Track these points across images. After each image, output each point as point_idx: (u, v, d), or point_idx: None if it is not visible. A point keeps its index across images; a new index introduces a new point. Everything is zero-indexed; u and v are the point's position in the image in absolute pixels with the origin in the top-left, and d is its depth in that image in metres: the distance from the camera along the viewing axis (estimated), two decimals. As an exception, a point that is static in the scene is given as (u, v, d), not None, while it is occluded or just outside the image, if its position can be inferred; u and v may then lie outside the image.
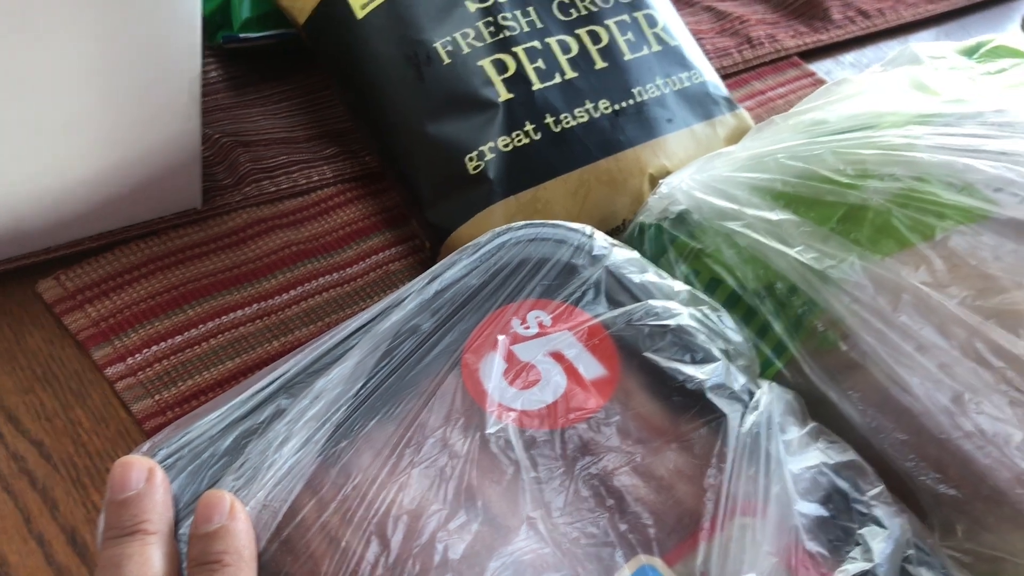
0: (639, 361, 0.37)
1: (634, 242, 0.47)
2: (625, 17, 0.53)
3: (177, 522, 0.32)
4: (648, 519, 0.33)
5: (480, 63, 0.49)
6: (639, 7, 0.54)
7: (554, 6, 0.52)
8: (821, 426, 0.37)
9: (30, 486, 0.41)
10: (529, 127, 0.49)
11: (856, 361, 0.38)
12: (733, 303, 0.42)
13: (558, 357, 0.36)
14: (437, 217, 0.49)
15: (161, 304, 0.48)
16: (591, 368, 0.36)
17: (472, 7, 0.50)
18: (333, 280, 0.51)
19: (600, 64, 0.52)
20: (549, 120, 0.49)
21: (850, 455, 0.36)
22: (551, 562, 0.32)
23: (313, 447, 0.33)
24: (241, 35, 0.58)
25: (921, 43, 0.52)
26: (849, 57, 0.79)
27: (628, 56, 0.52)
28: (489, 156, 0.48)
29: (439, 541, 0.32)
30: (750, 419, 0.36)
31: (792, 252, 0.41)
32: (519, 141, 0.48)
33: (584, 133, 0.50)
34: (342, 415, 0.34)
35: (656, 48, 0.54)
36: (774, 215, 0.42)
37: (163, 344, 0.46)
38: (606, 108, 0.51)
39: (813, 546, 0.34)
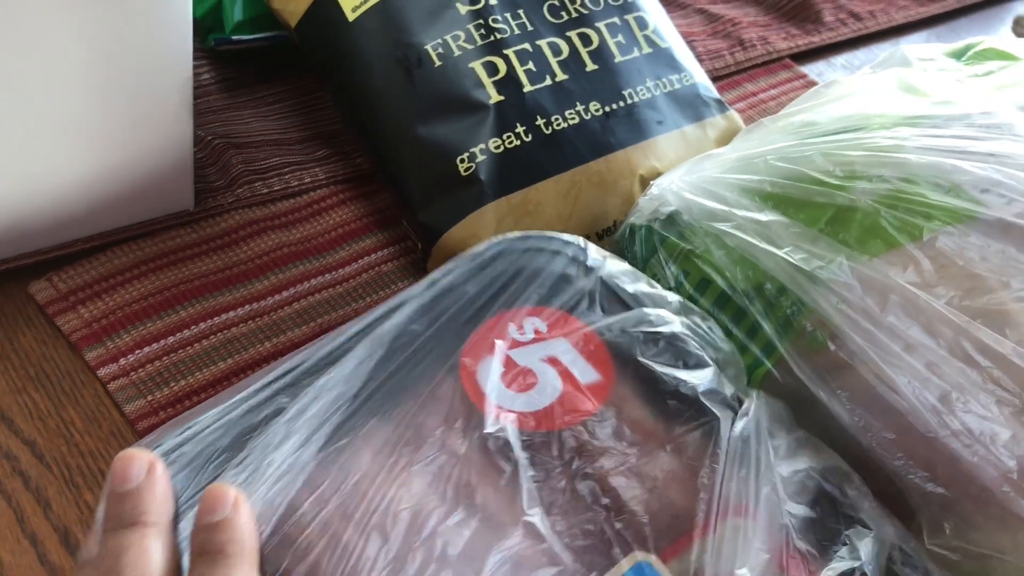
0: (633, 367, 0.37)
1: (625, 243, 0.47)
2: (616, 20, 0.54)
3: (177, 516, 0.32)
4: (643, 518, 0.34)
5: (471, 65, 0.49)
6: (629, 10, 0.55)
7: (545, 9, 0.52)
8: (808, 433, 0.38)
9: (23, 486, 0.41)
10: (520, 129, 0.49)
11: (845, 361, 0.39)
12: (723, 303, 0.42)
13: (554, 362, 0.37)
14: (428, 218, 0.49)
15: (153, 305, 0.48)
16: (586, 373, 0.37)
17: (463, 10, 0.50)
18: (325, 281, 0.51)
19: (591, 66, 0.52)
20: (540, 122, 0.49)
21: (836, 461, 0.37)
22: (549, 558, 0.32)
23: (313, 445, 0.34)
24: (233, 37, 0.59)
25: (911, 45, 0.52)
26: (841, 59, 0.79)
27: (619, 58, 0.53)
28: (480, 158, 0.48)
29: (438, 537, 0.32)
30: (740, 424, 0.37)
31: (781, 253, 0.41)
32: (510, 143, 0.49)
33: (575, 135, 0.50)
34: (341, 415, 0.34)
35: (647, 50, 0.54)
36: (763, 216, 0.42)
37: (155, 345, 0.46)
38: (597, 110, 0.51)
39: (802, 545, 0.35)
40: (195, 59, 0.59)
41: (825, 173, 0.42)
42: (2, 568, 0.39)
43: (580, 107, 0.51)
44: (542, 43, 0.51)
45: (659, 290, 0.40)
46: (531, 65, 0.50)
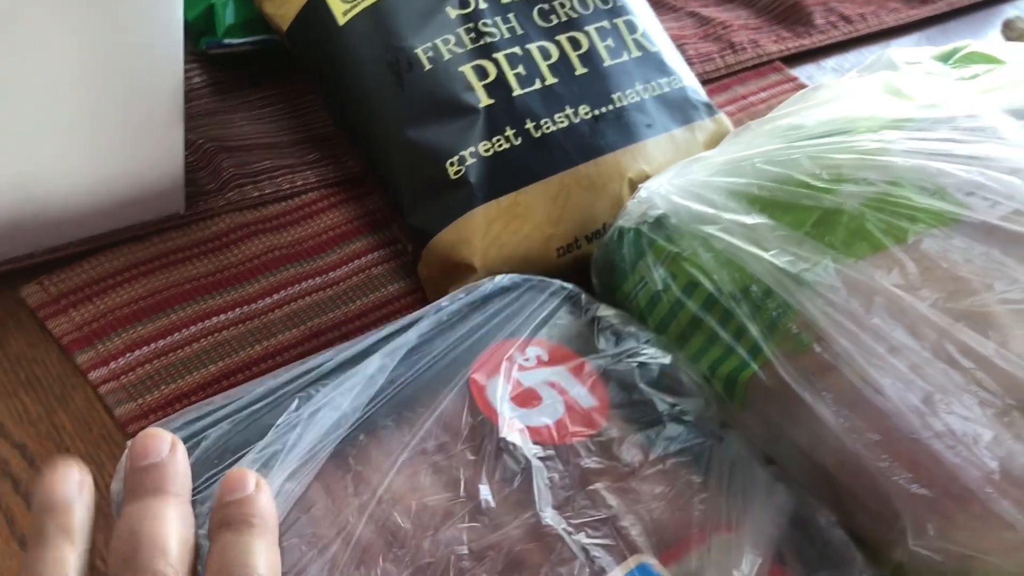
0: (627, 395, 0.40)
1: (613, 246, 0.48)
2: (605, 23, 0.54)
3: (194, 498, 0.33)
4: (643, 526, 0.35)
5: (461, 69, 0.50)
6: (619, 13, 0.55)
7: (534, 12, 0.53)
8: (779, 468, 0.40)
9: (13, 489, 0.41)
10: (509, 132, 0.49)
11: (830, 362, 0.39)
12: (710, 306, 0.43)
13: (555, 386, 0.40)
14: (418, 221, 0.49)
15: (144, 308, 0.48)
16: (584, 399, 0.40)
17: (453, 13, 0.51)
18: (316, 284, 0.51)
19: (580, 70, 0.52)
20: (529, 125, 0.50)
21: (805, 495, 0.39)
22: (563, 552, 0.34)
23: (329, 443, 0.35)
24: (225, 41, 0.59)
25: (898, 48, 0.53)
26: (831, 62, 0.79)
27: (608, 62, 0.53)
28: (470, 161, 0.48)
29: (454, 535, 0.34)
30: (727, 450, 0.39)
31: (767, 255, 0.41)
32: (499, 146, 0.49)
33: (564, 138, 0.50)
34: (357, 416, 0.36)
35: (636, 54, 0.54)
36: (750, 219, 0.43)
37: (146, 348, 0.46)
38: (586, 113, 0.51)
39: (789, 562, 0.36)
40: (187, 63, 0.59)
41: (811, 176, 0.42)
42: (-8, 570, 0.39)
43: (569, 110, 0.51)
44: (532, 47, 0.52)
45: (646, 332, 0.43)
46: (521, 69, 0.51)
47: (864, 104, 0.47)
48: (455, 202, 0.48)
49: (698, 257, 0.44)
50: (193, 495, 0.33)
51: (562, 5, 0.53)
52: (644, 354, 0.42)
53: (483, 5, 0.51)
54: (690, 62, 0.72)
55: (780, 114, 0.49)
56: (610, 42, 0.54)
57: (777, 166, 0.44)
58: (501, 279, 0.43)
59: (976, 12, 0.91)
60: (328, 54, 0.52)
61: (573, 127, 0.51)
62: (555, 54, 0.52)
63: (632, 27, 0.55)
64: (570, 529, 0.34)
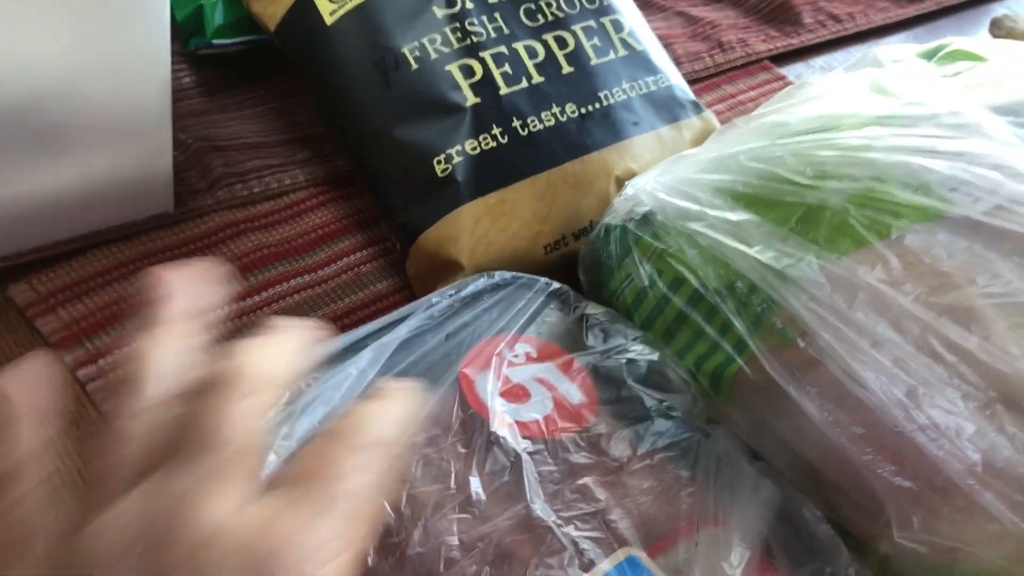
0: (616, 391, 0.40)
1: (600, 243, 0.48)
2: (591, 23, 0.54)
3: None
4: (631, 520, 0.36)
5: (448, 68, 0.50)
6: (605, 13, 0.55)
7: (521, 12, 0.53)
8: (765, 464, 0.40)
9: (1, 488, 0.41)
10: (496, 131, 0.49)
11: (814, 357, 0.39)
12: (695, 302, 0.43)
13: (544, 383, 0.40)
14: (406, 219, 0.49)
15: (133, 307, 0.48)
16: (573, 395, 0.40)
17: (439, 13, 0.51)
18: (305, 282, 0.51)
19: (567, 69, 0.52)
20: (516, 124, 0.50)
21: (791, 489, 0.39)
22: (552, 542, 0.34)
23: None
24: (214, 42, 0.59)
25: (883, 47, 0.53)
26: (820, 61, 0.80)
27: (595, 61, 0.53)
28: (457, 159, 0.49)
29: (442, 522, 0.34)
30: (714, 445, 0.40)
31: (751, 251, 0.41)
32: (486, 144, 0.49)
33: (551, 136, 0.50)
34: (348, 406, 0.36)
35: (622, 53, 0.54)
36: (735, 216, 0.43)
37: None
38: (573, 112, 0.51)
39: (776, 555, 0.36)
40: (176, 63, 0.59)
41: (796, 173, 0.43)
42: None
43: (556, 109, 0.51)
44: (518, 46, 0.52)
45: (633, 330, 0.43)
46: (507, 68, 0.51)
47: (848, 101, 0.47)
48: (442, 200, 0.48)
49: (684, 254, 0.44)
50: None
51: (548, 4, 0.54)
52: (632, 351, 0.42)
53: (469, 5, 0.52)
54: (679, 61, 0.72)
55: (765, 111, 0.49)
56: (596, 41, 0.54)
57: (762, 163, 0.44)
58: (490, 276, 0.43)
59: (964, 11, 0.91)
60: (316, 54, 0.52)
61: (560, 125, 0.51)
62: (541, 53, 0.52)
63: (618, 26, 0.55)
64: (559, 521, 0.34)
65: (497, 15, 0.52)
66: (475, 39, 0.51)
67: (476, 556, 0.33)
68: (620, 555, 0.34)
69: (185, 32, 0.60)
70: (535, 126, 0.50)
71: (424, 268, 0.49)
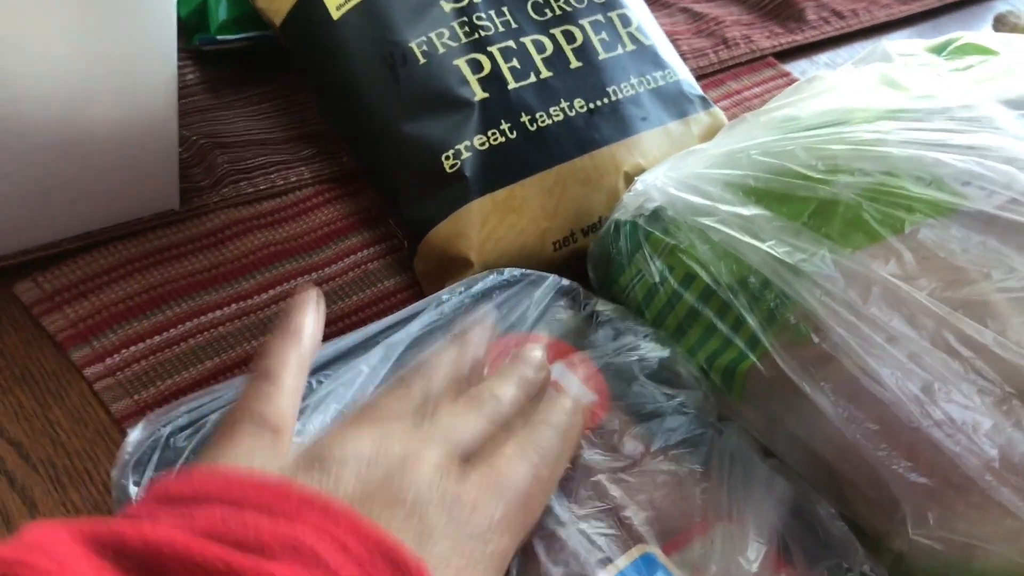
0: (627, 387, 0.40)
1: (610, 239, 0.48)
2: (599, 17, 0.54)
3: None
4: (645, 517, 0.35)
5: (455, 63, 0.50)
6: (613, 7, 0.55)
7: (528, 6, 0.53)
8: (778, 461, 0.40)
9: (9, 486, 0.41)
10: (505, 126, 0.49)
11: (828, 353, 0.39)
12: (707, 298, 0.43)
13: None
14: (414, 215, 0.49)
15: (139, 305, 0.48)
16: (584, 394, 0.40)
17: (447, 7, 0.51)
18: (311, 280, 0.51)
19: (575, 63, 0.52)
20: (525, 119, 0.50)
21: (805, 486, 0.39)
22: (568, 539, 0.34)
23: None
24: (218, 38, 0.59)
25: (892, 41, 0.53)
26: (824, 57, 0.80)
27: (603, 55, 0.53)
28: (465, 155, 0.48)
29: None
30: (727, 441, 0.39)
31: (764, 246, 0.41)
32: (495, 140, 0.49)
33: (559, 132, 0.50)
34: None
35: (630, 47, 0.54)
36: (746, 210, 0.42)
37: (142, 344, 0.46)
38: (581, 107, 0.51)
39: (792, 552, 0.36)
40: (181, 59, 0.59)
41: (807, 167, 0.42)
42: (-12, 568, 0.39)
43: (564, 104, 0.51)
44: (526, 40, 0.51)
45: (644, 327, 0.43)
46: (515, 62, 0.51)
47: (859, 95, 0.47)
48: (451, 196, 0.48)
49: (695, 249, 0.43)
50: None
51: (556, -1, 0.53)
52: (643, 348, 0.42)
53: (477, -1, 0.51)
54: (684, 57, 0.72)
55: (775, 106, 0.49)
56: (604, 36, 0.53)
57: (773, 157, 0.44)
58: (500, 273, 0.43)
59: (967, 7, 0.91)
60: (322, 49, 0.52)
61: (568, 120, 0.51)
62: (549, 48, 0.52)
63: (626, 21, 0.55)
64: (575, 519, 0.34)
65: (505, 9, 0.52)
66: (483, 33, 0.51)
67: None
68: (636, 552, 0.34)
69: (189, 28, 0.60)
70: (543, 121, 0.50)
71: (432, 265, 0.49)
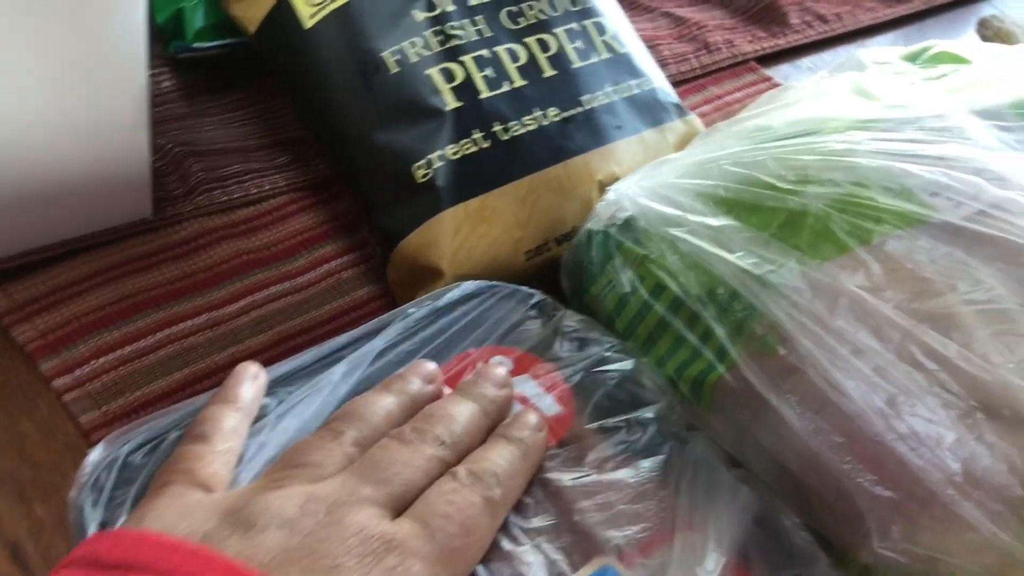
0: (593, 400, 0.40)
1: (582, 248, 0.48)
2: (574, 25, 0.54)
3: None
4: (607, 529, 0.35)
5: (428, 72, 0.49)
6: (588, 15, 0.55)
7: (503, 15, 0.52)
8: (744, 471, 0.40)
9: (-25, 499, 0.41)
10: (477, 135, 0.49)
11: (795, 365, 0.39)
12: (676, 308, 0.43)
13: (519, 398, 0.39)
14: (386, 225, 0.49)
15: (110, 315, 0.47)
16: (550, 407, 0.39)
17: (420, 16, 0.50)
18: (284, 289, 0.51)
19: (549, 72, 0.52)
20: (498, 128, 0.49)
21: (772, 496, 0.39)
22: (522, 559, 0.33)
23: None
24: (194, 45, 0.59)
25: (867, 49, 0.53)
26: (807, 62, 0.79)
27: (577, 64, 0.53)
28: (437, 164, 0.48)
29: None
30: (691, 452, 0.39)
31: (732, 257, 0.41)
32: (467, 149, 0.49)
33: (533, 140, 0.50)
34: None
35: (605, 56, 0.54)
36: (716, 221, 0.42)
37: (112, 355, 0.46)
38: (555, 116, 0.51)
39: (754, 564, 0.36)
40: (157, 67, 0.59)
41: (777, 177, 0.42)
42: (-48, 582, 0.38)
43: (538, 113, 0.51)
44: (500, 49, 0.51)
45: (611, 339, 0.43)
46: (489, 71, 0.50)
47: (831, 105, 0.47)
48: (423, 205, 0.48)
49: (665, 259, 0.43)
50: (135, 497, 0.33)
51: (531, 7, 0.53)
52: (609, 360, 0.42)
53: (451, 8, 0.51)
54: (665, 63, 0.72)
55: (748, 115, 0.49)
56: (579, 44, 0.53)
57: (743, 167, 0.44)
58: (467, 285, 0.43)
59: (952, 10, 0.91)
60: (295, 57, 0.52)
61: (542, 129, 0.50)
62: (523, 56, 0.52)
63: (602, 29, 0.55)
64: (532, 533, 0.34)
65: (479, 18, 0.52)
66: (456, 42, 0.50)
67: None
68: (593, 565, 0.33)
69: (165, 35, 0.60)
70: (516, 130, 0.50)
71: (405, 274, 0.49)
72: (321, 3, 0.51)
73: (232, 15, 0.55)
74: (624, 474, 0.37)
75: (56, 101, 0.44)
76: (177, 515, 0.30)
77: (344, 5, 0.50)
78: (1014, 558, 0.35)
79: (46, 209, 0.47)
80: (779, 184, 0.42)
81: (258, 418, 0.36)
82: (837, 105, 0.46)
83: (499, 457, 0.34)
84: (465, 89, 0.50)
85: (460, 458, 0.34)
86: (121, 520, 0.32)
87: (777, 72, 0.77)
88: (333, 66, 0.50)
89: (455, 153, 0.48)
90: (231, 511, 0.30)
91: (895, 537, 0.37)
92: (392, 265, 0.49)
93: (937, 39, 0.52)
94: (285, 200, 0.55)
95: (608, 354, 0.41)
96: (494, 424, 0.37)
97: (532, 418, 0.37)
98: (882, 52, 0.52)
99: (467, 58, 0.50)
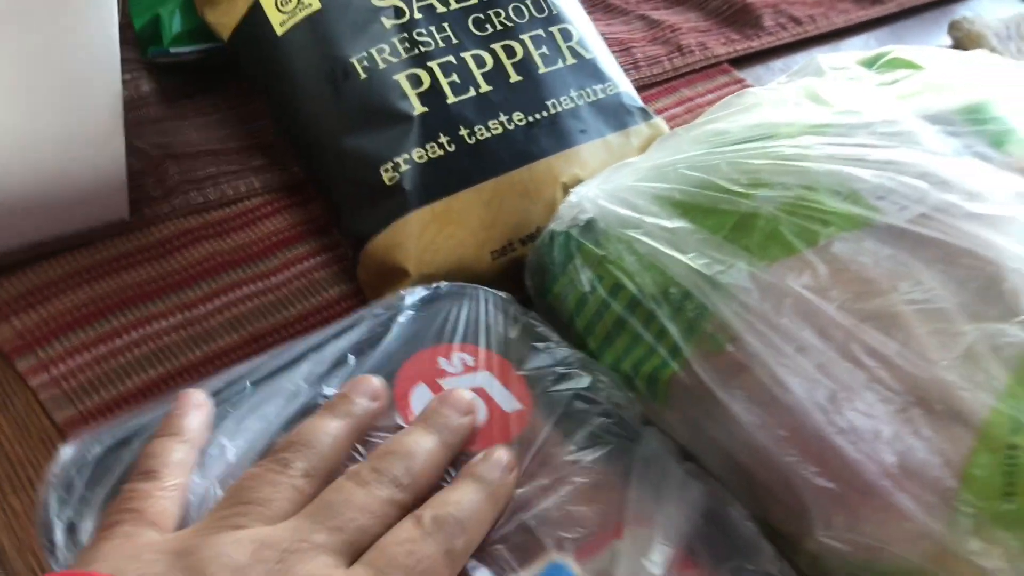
0: (550, 399, 0.41)
1: (545, 249, 0.49)
2: (540, 32, 0.55)
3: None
4: (558, 526, 0.36)
5: (395, 78, 0.51)
6: (554, 22, 0.56)
7: (469, 22, 0.54)
8: (695, 465, 0.41)
9: (-48, 493, 0.42)
10: (443, 139, 0.50)
11: (743, 362, 0.40)
12: (633, 308, 0.44)
13: (479, 392, 0.40)
14: (355, 227, 0.50)
15: (86, 315, 0.49)
16: (509, 402, 0.40)
17: (388, 24, 0.52)
18: (258, 289, 0.52)
19: (515, 78, 0.53)
20: (463, 132, 0.51)
21: (720, 489, 0.40)
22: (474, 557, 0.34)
23: (255, 451, 0.36)
24: (171, 50, 0.60)
25: (826, 54, 0.54)
26: (779, 64, 0.81)
27: (543, 70, 0.54)
28: (404, 167, 0.49)
29: None
30: (642, 449, 0.40)
31: (685, 259, 0.42)
32: (433, 153, 0.50)
33: (498, 144, 0.51)
34: (283, 424, 0.37)
35: (571, 61, 0.55)
36: (671, 223, 0.44)
37: (87, 354, 0.47)
38: (520, 120, 0.52)
39: (700, 554, 0.37)
40: (135, 71, 0.60)
41: (731, 181, 0.44)
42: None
43: (504, 117, 0.52)
44: (466, 55, 0.53)
45: (566, 343, 0.44)
46: (455, 77, 0.52)
47: (786, 110, 0.48)
48: (390, 208, 0.49)
49: (623, 260, 0.45)
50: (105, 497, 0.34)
51: (497, 14, 0.54)
52: (567, 360, 0.43)
53: (418, 15, 0.52)
54: (637, 65, 0.73)
55: (706, 120, 0.50)
56: (545, 50, 0.55)
57: (698, 171, 0.45)
58: (431, 287, 0.44)
59: (926, 12, 0.92)
60: (267, 64, 0.53)
61: (507, 134, 0.52)
62: (490, 62, 0.53)
63: (567, 35, 0.56)
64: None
65: (446, 25, 0.53)
66: (423, 49, 0.52)
67: None
68: (543, 563, 0.34)
69: (143, 40, 0.61)
70: (482, 134, 0.51)
71: (373, 275, 0.50)
72: (292, 11, 0.52)
73: (207, 21, 0.56)
74: (576, 470, 0.38)
75: (30, 107, 0.45)
76: (125, 558, 0.29)
77: (315, 13, 0.52)
78: (947, 548, 0.36)
79: (23, 212, 0.49)
80: (732, 187, 0.43)
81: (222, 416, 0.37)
82: (792, 110, 0.48)
83: (466, 501, 0.34)
84: (432, 94, 0.51)
85: (418, 498, 0.34)
86: (88, 522, 0.33)
87: (750, 74, 0.78)
88: (303, 73, 0.52)
89: (421, 157, 0.50)
90: (181, 554, 0.30)
91: (838, 527, 0.38)
92: (361, 266, 0.51)
93: (910, 42, 0.53)
94: (260, 202, 0.57)
95: (559, 351, 0.43)
96: (455, 453, 0.37)
97: (504, 457, 0.36)
98: (840, 57, 0.53)
99: (434, 64, 0.52)
